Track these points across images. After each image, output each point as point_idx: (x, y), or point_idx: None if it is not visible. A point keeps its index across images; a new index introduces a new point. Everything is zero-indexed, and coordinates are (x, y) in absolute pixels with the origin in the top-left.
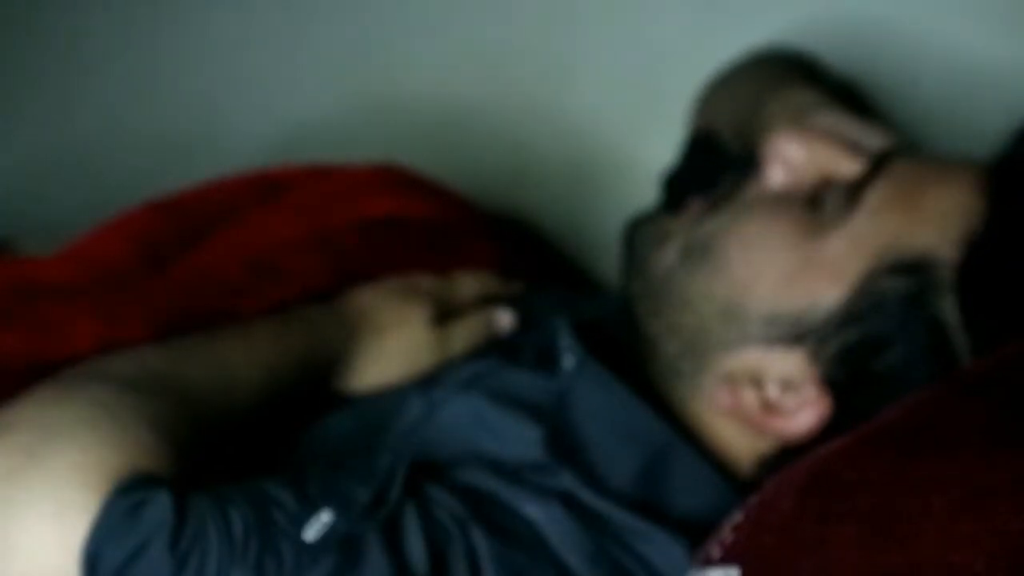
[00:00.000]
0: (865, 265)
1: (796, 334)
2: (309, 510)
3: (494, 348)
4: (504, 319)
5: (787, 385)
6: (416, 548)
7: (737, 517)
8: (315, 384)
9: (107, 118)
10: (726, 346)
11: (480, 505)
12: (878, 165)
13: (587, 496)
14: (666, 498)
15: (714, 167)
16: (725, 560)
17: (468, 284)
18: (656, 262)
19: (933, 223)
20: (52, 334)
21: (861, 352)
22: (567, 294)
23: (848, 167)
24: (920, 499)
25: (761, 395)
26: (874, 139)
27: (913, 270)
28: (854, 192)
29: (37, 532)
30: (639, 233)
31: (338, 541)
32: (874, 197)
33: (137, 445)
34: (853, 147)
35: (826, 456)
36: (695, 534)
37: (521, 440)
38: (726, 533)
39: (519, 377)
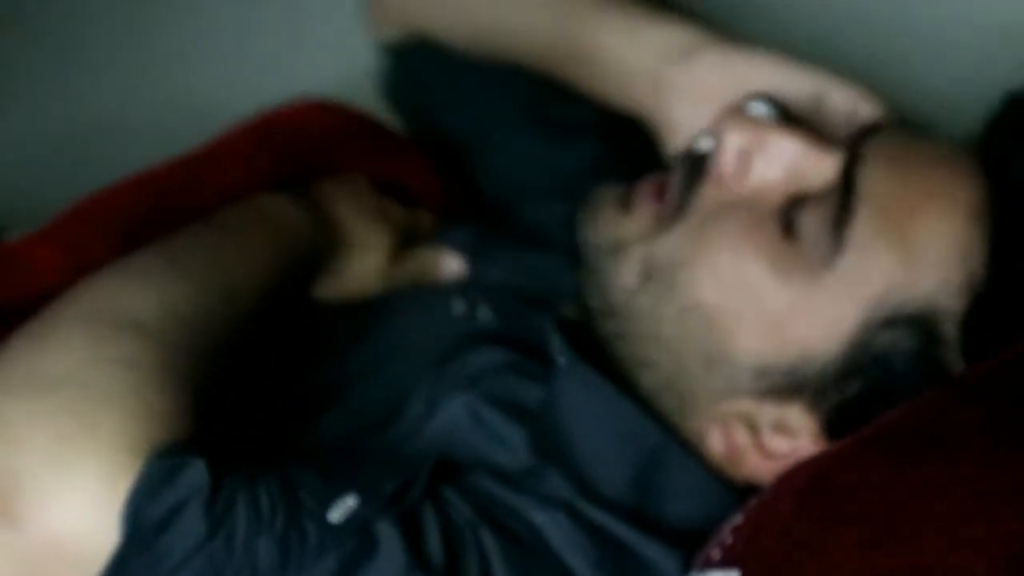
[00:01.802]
0: (860, 315)
1: (790, 386)
2: (335, 492)
3: (488, 339)
4: (453, 265)
5: (783, 429)
6: (434, 545)
7: (737, 519)
8: (296, 288)
9: (105, 108)
10: (713, 396)
11: (488, 509)
12: (852, 175)
13: (584, 507)
14: (661, 505)
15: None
16: (725, 562)
17: (429, 221)
18: (612, 281)
19: (931, 266)
20: (14, 269)
21: (864, 402)
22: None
23: (820, 169)
24: (921, 502)
25: (756, 439)
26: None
27: (914, 323)
28: (837, 226)
29: (84, 497)
30: (587, 229)
31: (359, 526)
32: (860, 233)
33: (175, 414)
34: (815, 136)
35: (826, 459)
36: (691, 541)
37: (510, 442)
38: (726, 535)
39: (518, 378)
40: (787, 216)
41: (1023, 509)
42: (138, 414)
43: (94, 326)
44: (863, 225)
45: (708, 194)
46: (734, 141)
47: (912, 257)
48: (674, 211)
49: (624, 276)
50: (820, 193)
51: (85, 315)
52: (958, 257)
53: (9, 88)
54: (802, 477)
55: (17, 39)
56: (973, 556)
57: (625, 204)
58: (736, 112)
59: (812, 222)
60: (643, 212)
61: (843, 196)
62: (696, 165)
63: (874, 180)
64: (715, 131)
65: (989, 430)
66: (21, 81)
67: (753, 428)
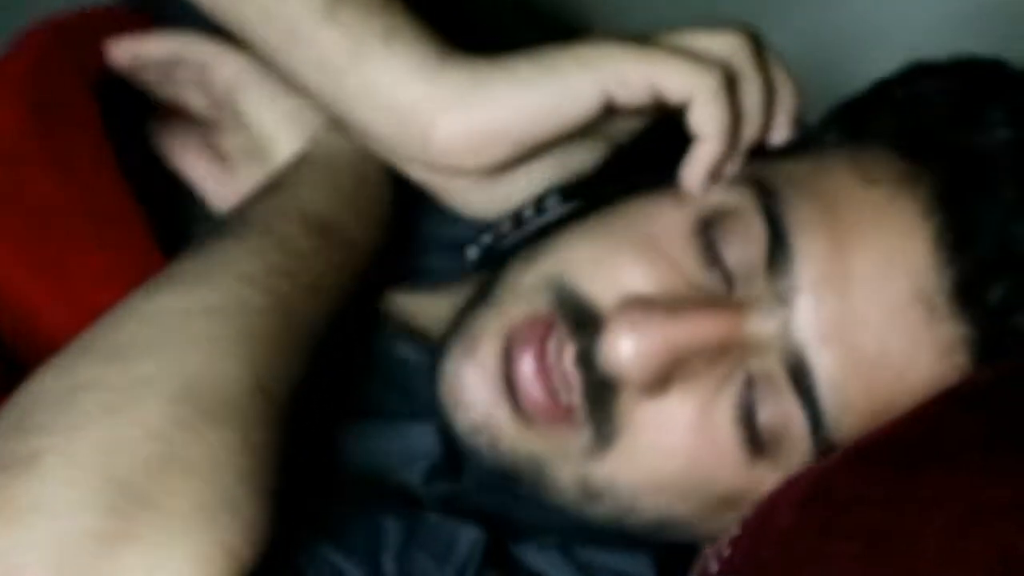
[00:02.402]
0: None
1: None
2: None
3: None
4: None
5: None
6: None
7: (734, 531)
8: None
9: None
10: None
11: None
12: (800, 369)
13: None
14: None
15: None
16: (723, 574)
17: None
18: (546, 492)
19: None
20: None
21: None
22: None
23: (756, 343)
24: (920, 514)
25: None
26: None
27: None
28: (814, 439)
29: None
30: (478, 443)
31: None
32: (841, 438)
33: (246, 545)
34: (723, 303)
35: (824, 470)
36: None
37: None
38: (724, 547)
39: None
40: (750, 430)
41: (1022, 521)
42: (207, 556)
43: (178, 406)
44: (842, 430)
45: (631, 407)
46: (638, 361)
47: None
48: (594, 436)
49: (560, 492)
50: (768, 375)
51: (171, 381)
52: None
53: None
54: (800, 488)
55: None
56: (971, 569)
57: (516, 409)
58: (620, 310)
59: (784, 438)
60: (547, 423)
61: (802, 396)
62: (589, 366)
63: (827, 368)
64: (601, 330)
65: (988, 442)
66: None
67: None
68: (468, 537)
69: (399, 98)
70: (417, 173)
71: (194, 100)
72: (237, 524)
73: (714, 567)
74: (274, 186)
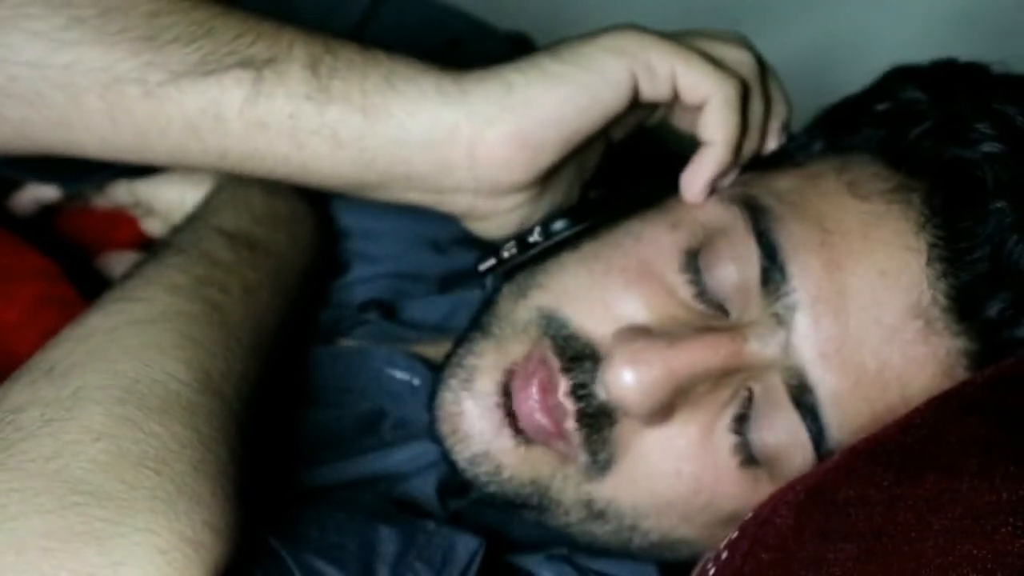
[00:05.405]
0: None
1: None
2: None
3: None
4: None
5: None
6: None
7: (733, 534)
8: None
9: None
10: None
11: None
12: (802, 397)
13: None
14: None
15: None
16: None
17: None
18: (550, 514)
19: None
20: None
21: None
22: None
23: (756, 364)
24: (919, 518)
25: None
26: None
27: None
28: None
29: None
30: (482, 469)
31: None
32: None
33: (205, 536)
34: (716, 332)
35: (823, 473)
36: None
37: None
38: (722, 551)
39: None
40: (745, 443)
41: (1021, 526)
42: (165, 544)
43: (120, 406)
44: (844, 446)
45: (629, 435)
46: (640, 391)
47: None
48: (590, 461)
49: (565, 512)
50: (770, 395)
51: (111, 387)
52: None
53: None
54: (800, 492)
55: None
56: (970, 572)
57: (517, 432)
58: (620, 341)
59: (787, 455)
60: (547, 446)
61: (805, 414)
62: (583, 398)
63: (829, 386)
64: (601, 363)
65: (987, 446)
66: None
67: None
68: (467, 546)
69: (434, 129)
70: (463, 204)
71: (100, 204)
72: (198, 514)
73: (712, 570)
74: (190, 217)
